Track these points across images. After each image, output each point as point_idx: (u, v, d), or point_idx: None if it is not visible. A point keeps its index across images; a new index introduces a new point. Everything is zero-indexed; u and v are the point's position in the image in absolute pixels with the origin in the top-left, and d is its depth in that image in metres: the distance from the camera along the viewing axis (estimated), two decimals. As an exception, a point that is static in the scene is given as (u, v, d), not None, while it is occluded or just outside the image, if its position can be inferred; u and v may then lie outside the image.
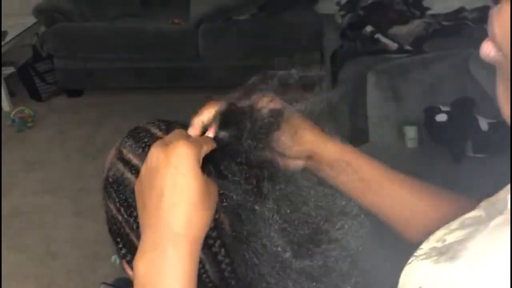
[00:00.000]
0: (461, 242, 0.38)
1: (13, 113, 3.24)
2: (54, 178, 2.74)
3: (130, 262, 0.56)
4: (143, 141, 0.57)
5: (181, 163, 0.47)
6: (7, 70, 3.65)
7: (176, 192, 0.47)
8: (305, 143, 0.60)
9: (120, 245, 0.57)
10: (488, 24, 0.36)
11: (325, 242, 0.52)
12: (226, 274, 0.54)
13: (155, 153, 0.48)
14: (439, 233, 0.43)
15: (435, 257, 0.39)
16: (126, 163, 0.57)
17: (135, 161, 0.56)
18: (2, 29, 3.46)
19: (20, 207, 2.57)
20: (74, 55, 3.50)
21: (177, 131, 0.53)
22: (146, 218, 0.48)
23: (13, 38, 3.48)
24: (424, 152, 1.94)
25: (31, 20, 3.60)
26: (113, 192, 0.57)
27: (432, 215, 0.64)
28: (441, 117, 1.88)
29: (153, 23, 3.46)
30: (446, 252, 0.38)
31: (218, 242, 0.53)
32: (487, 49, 0.37)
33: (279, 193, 0.51)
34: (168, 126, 0.59)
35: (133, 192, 0.53)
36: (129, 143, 0.58)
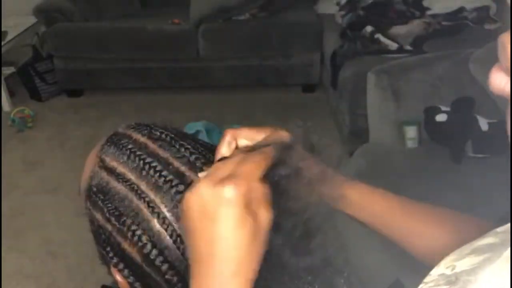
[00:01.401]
0: (470, 271, 0.36)
1: (13, 113, 3.24)
2: (54, 178, 2.74)
3: (122, 270, 0.55)
4: (127, 148, 0.56)
5: (230, 212, 0.44)
6: (7, 70, 3.65)
7: (227, 244, 0.45)
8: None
9: (111, 254, 0.55)
10: (499, 50, 0.32)
11: (321, 234, 0.51)
12: None
13: (200, 193, 0.45)
14: (449, 258, 0.42)
15: (444, 287, 0.37)
16: (111, 171, 0.55)
17: (120, 168, 0.55)
18: (2, 29, 3.46)
19: (20, 207, 2.57)
20: (74, 55, 3.50)
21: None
22: (196, 269, 0.47)
23: (13, 38, 3.48)
24: (424, 152, 1.94)
25: (31, 20, 3.60)
26: (100, 201, 0.55)
27: (451, 242, 0.63)
28: (441, 117, 1.88)
29: (153, 23, 3.46)
30: (455, 282, 0.37)
31: None
32: (498, 80, 0.33)
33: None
34: (150, 131, 0.57)
35: (123, 200, 0.53)
36: (111, 150, 0.56)
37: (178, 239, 0.52)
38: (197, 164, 0.54)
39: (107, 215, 0.55)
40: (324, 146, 0.60)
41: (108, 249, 0.56)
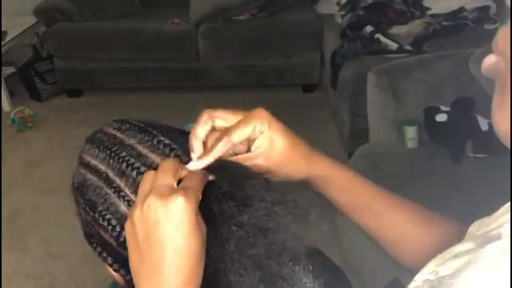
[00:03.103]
0: (452, 275, 0.38)
1: (13, 113, 3.24)
2: (54, 178, 2.74)
3: (112, 265, 0.58)
4: (99, 141, 0.59)
5: (182, 223, 0.48)
6: (7, 70, 3.66)
7: (179, 252, 0.48)
8: (299, 171, 0.63)
9: (99, 249, 0.58)
10: (495, 39, 0.38)
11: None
12: None
13: (153, 206, 0.48)
14: (432, 263, 0.43)
15: None
16: (86, 165, 0.59)
17: (93, 161, 0.58)
18: (2, 29, 3.46)
19: (20, 207, 2.57)
20: (74, 55, 3.50)
21: (170, 167, 0.52)
22: (144, 270, 0.49)
23: (13, 38, 3.48)
24: (424, 152, 1.94)
25: (31, 20, 3.60)
26: (79, 196, 0.59)
27: (420, 238, 0.64)
28: (441, 117, 1.88)
29: (153, 23, 3.46)
30: (438, 286, 0.38)
31: None
32: (487, 59, 0.39)
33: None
34: (121, 124, 0.61)
35: (95, 190, 0.56)
36: (87, 147, 0.61)
37: None
38: (160, 147, 0.57)
39: (85, 206, 0.58)
40: None
41: (95, 244, 0.59)
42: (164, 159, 0.56)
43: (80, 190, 0.59)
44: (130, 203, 0.55)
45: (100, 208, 0.56)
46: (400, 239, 0.65)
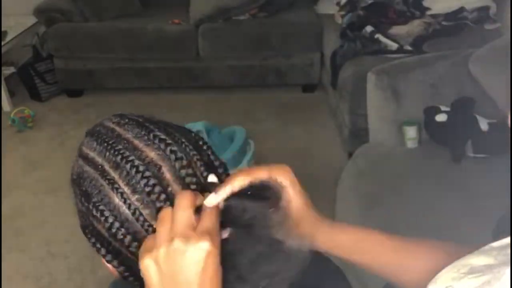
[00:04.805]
0: None
1: (13, 113, 3.24)
2: (54, 178, 2.74)
3: (105, 255, 0.59)
4: (98, 134, 0.60)
5: (208, 266, 0.51)
6: (7, 70, 3.65)
7: None
8: (304, 237, 0.63)
9: (93, 240, 0.59)
10: None
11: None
12: None
13: (181, 249, 0.51)
14: (446, 276, 0.42)
15: None
16: (84, 158, 0.60)
17: (91, 153, 0.59)
18: (2, 29, 3.46)
19: (20, 207, 2.57)
20: (74, 55, 3.50)
21: (187, 202, 0.54)
22: None
23: (13, 38, 3.48)
24: (424, 152, 1.94)
25: (31, 20, 3.60)
26: (77, 188, 0.60)
27: (422, 268, 0.64)
28: (441, 117, 1.88)
29: (153, 23, 3.46)
30: None
31: None
32: None
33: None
34: (120, 118, 0.62)
35: (91, 181, 0.57)
36: (87, 140, 0.62)
37: (137, 211, 0.55)
38: (155, 141, 0.57)
39: (80, 197, 0.59)
40: None
41: (89, 235, 0.60)
42: (159, 154, 0.56)
43: (77, 181, 0.60)
44: (123, 195, 0.56)
45: (94, 199, 0.57)
46: (402, 273, 0.67)
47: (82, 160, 0.60)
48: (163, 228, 0.52)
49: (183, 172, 0.56)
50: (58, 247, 2.29)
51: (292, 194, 0.60)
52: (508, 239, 0.43)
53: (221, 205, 0.56)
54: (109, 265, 0.60)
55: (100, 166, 0.58)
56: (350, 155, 2.29)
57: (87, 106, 3.52)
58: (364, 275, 1.58)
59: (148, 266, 0.52)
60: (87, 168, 0.59)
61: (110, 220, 0.56)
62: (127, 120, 0.61)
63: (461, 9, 2.83)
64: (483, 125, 1.82)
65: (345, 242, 0.65)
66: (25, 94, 3.61)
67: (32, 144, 3.11)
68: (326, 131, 3.03)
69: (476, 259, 0.40)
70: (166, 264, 0.51)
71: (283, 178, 0.60)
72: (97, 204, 0.57)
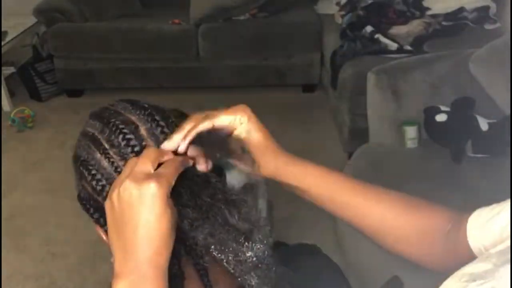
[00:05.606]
0: None
1: (13, 113, 3.25)
2: (54, 178, 2.74)
3: (99, 219, 0.65)
4: (102, 116, 0.67)
5: (153, 205, 0.54)
6: (7, 70, 3.65)
7: (150, 230, 0.55)
8: (267, 170, 0.67)
9: (92, 211, 0.66)
10: None
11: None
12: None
13: (129, 188, 0.55)
14: (450, 285, 0.42)
15: None
16: (87, 135, 0.66)
17: (93, 131, 0.65)
18: (2, 29, 3.46)
19: (20, 207, 2.57)
20: (74, 55, 3.50)
21: (150, 155, 0.58)
22: (120, 245, 0.56)
23: (13, 38, 3.49)
24: (424, 152, 1.94)
25: (31, 20, 3.60)
26: (80, 165, 0.65)
27: (403, 225, 0.65)
28: (441, 117, 1.88)
29: (153, 23, 3.46)
30: None
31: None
32: None
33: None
34: (120, 100, 0.69)
35: (88, 152, 0.64)
36: (90, 121, 0.68)
37: (114, 163, 0.62)
38: (137, 109, 0.65)
39: (86, 174, 0.64)
40: None
41: (88, 206, 0.66)
42: (139, 116, 0.64)
43: (76, 157, 0.66)
44: (104, 151, 0.62)
45: (82, 158, 0.64)
46: (380, 227, 0.67)
47: (83, 137, 0.67)
48: (122, 173, 0.58)
49: (158, 130, 0.63)
50: (58, 247, 2.29)
51: (251, 126, 0.66)
52: (505, 244, 0.43)
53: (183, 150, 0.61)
54: (103, 235, 0.65)
55: (96, 139, 0.64)
56: (350, 155, 2.29)
57: (87, 106, 3.48)
58: (364, 275, 1.58)
59: (106, 205, 0.58)
60: (85, 142, 0.66)
61: (93, 172, 0.63)
62: (125, 103, 0.68)
63: (461, 9, 2.83)
64: (483, 125, 1.82)
65: (306, 176, 0.67)
66: (25, 94, 3.61)
67: (32, 144, 3.11)
68: (326, 131, 3.03)
69: (475, 267, 0.41)
70: (118, 202, 0.56)
71: (242, 113, 0.66)
72: (89, 168, 0.63)
